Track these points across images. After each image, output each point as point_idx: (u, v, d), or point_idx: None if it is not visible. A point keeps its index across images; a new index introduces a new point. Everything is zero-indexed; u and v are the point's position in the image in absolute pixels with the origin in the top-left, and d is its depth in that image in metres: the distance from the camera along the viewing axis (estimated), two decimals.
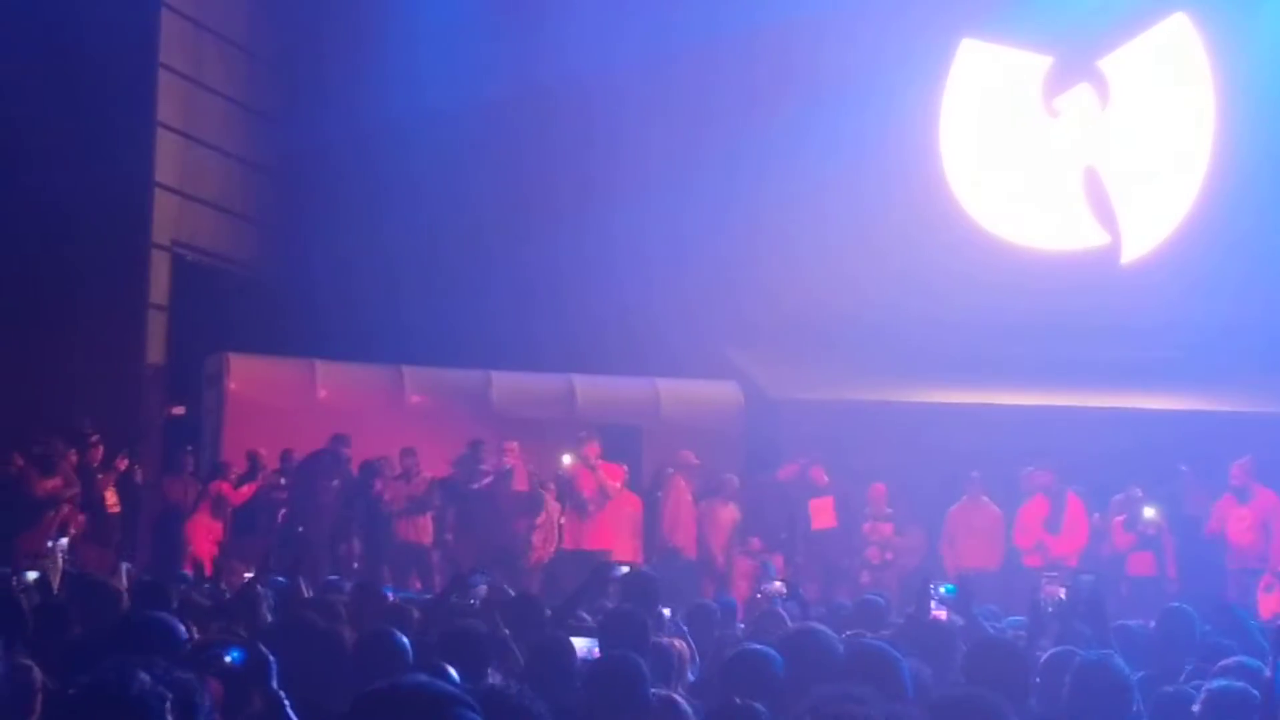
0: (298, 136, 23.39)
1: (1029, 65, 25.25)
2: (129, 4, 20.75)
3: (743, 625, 12.08)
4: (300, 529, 19.44)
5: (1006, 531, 20.04)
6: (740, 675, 7.06)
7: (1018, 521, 19.70)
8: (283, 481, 19.77)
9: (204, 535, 19.22)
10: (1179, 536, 19.42)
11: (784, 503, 20.61)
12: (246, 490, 19.54)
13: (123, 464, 19.23)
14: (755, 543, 20.06)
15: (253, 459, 19.78)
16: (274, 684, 5.90)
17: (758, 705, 6.20)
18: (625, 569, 11.62)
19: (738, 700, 6.30)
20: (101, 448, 19.07)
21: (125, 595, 10.56)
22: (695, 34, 23.83)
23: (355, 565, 19.13)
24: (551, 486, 19.97)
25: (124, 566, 13.19)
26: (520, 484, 20.06)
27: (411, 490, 19.56)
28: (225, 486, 19.47)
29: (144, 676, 4.78)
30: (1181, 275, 24.05)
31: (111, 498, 18.95)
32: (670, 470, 20.42)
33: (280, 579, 13.57)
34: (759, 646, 7.65)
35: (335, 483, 19.62)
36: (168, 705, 4.73)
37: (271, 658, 5.91)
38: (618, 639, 7.93)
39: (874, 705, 4.85)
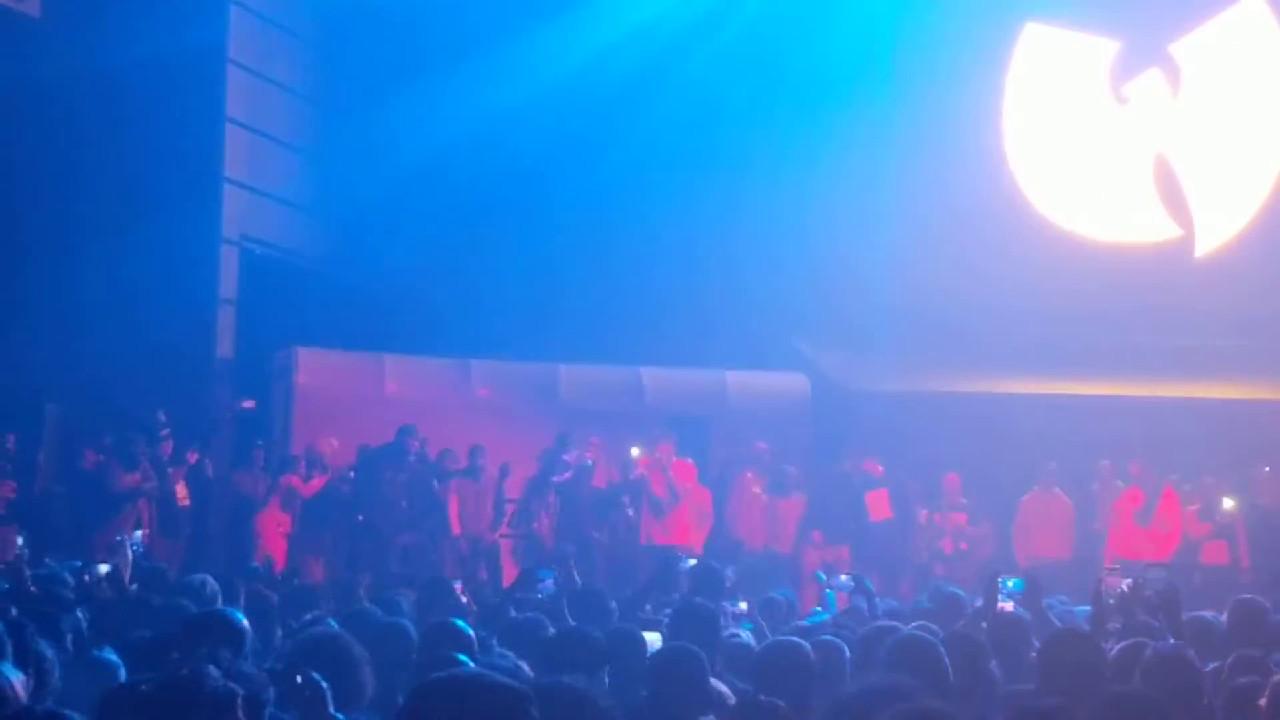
0: (365, 129, 23.44)
1: (1096, 50, 24.42)
2: (198, 1, 20.84)
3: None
4: (360, 518, 19.45)
5: (1078, 522, 19.96)
6: (771, 667, 7.05)
7: (1112, 513, 19.57)
8: (352, 475, 19.82)
9: (274, 529, 19.30)
10: (1252, 526, 19.25)
11: (849, 494, 20.49)
12: (316, 483, 19.59)
13: (193, 458, 19.34)
14: (816, 535, 20.00)
15: (309, 452, 19.85)
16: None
17: (779, 701, 6.16)
18: (692, 562, 11.62)
19: (761, 697, 6.27)
20: (171, 441, 19.19)
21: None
22: (762, 21, 23.71)
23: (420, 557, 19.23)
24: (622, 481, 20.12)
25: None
26: (599, 480, 20.12)
27: (480, 489, 19.64)
28: (295, 480, 19.53)
29: (215, 673, 4.81)
30: (1259, 270, 23.16)
31: (182, 491, 19.06)
32: (738, 466, 20.44)
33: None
34: (789, 638, 7.66)
35: (402, 476, 19.66)
36: (239, 701, 4.76)
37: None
38: (687, 632, 7.91)
39: (919, 699, 4.80)
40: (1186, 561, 18.94)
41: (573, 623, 9.26)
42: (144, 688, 4.83)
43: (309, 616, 8.97)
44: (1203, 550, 19.30)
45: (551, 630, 8.74)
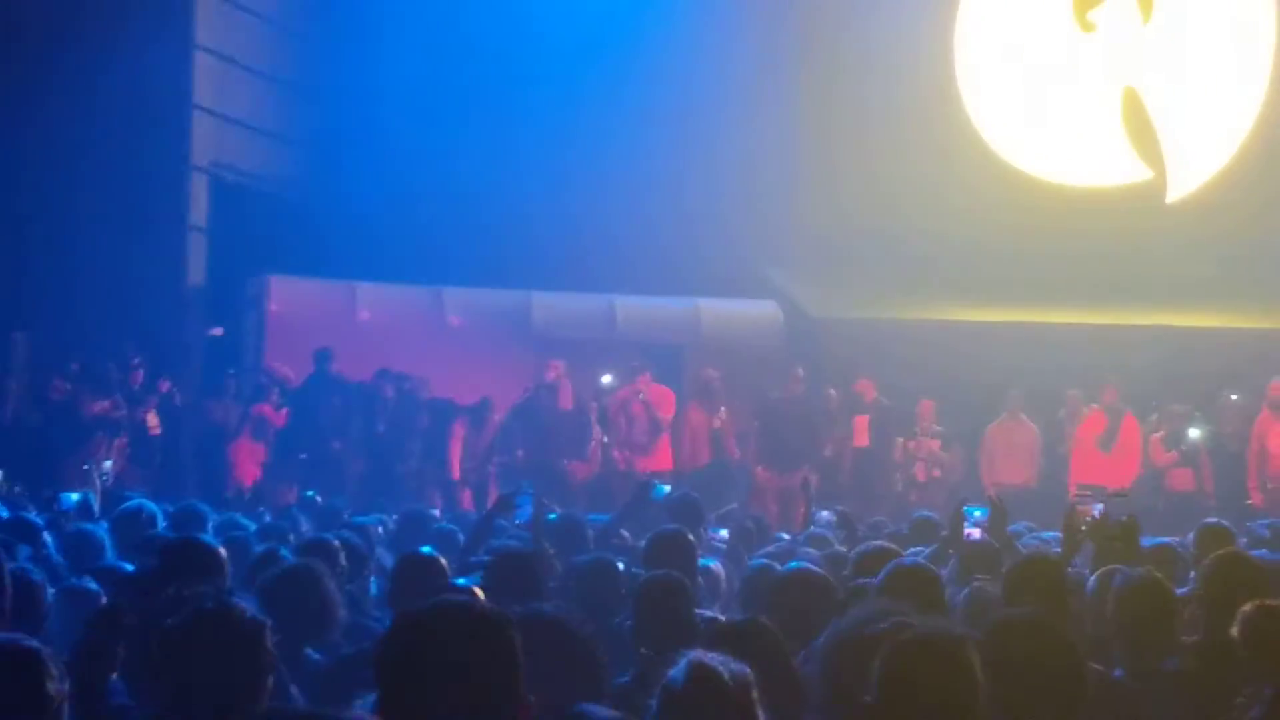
0: (335, 55, 23.31)
1: None
2: None
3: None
4: (303, 456, 19.36)
5: (1044, 449, 20.05)
6: (786, 593, 7.11)
7: (1075, 439, 19.65)
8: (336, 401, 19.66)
9: (247, 458, 19.29)
10: (1216, 453, 19.37)
11: (803, 420, 20.28)
12: (288, 412, 19.56)
13: (165, 386, 19.31)
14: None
15: (268, 375, 19.81)
16: None
17: (766, 621, 6.22)
18: (667, 488, 11.65)
19: (750, 618, 6.32)
20: (142, 371, 19.15)
21: None
22: None
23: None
24: (594, 407, 20.08)
25: None
26: (565, 403, 20.07)
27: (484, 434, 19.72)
28: (267, 409, 19.49)
29: (242, 605, 4.85)
30: (1237, 216, 22.54)
31: (153, 420, 19.03)
32: (688, 402, 20.28)
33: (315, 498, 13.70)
34: (807, 566, 7.72)
35: (336, 400, 19.55)
36: (268, 631, 4.82)
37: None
38: (663, 560, 7.95)
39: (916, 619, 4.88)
40: (1151, 488, 19.13)
41: (550, 549, 9.29)
42: (171, 623, 4.85)
43: (262, 549, 8.93)
44: (1168, 477, 19.42)
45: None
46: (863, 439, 20.32)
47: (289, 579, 7.03)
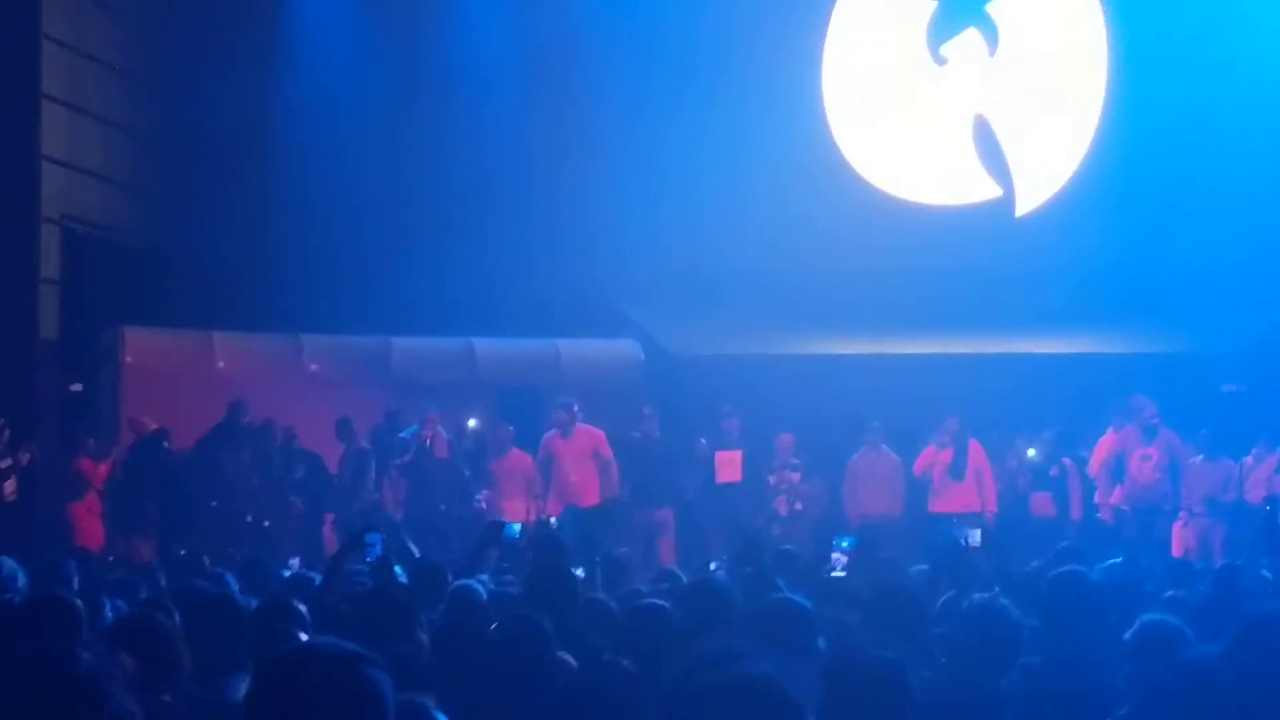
0: (186, 104, 23.11)
1: (913, 11, 24.47)
2: None
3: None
4: (214, 504, 19.19)
5: (907, 478, 20.15)
6: (631, 631, 7.08)
7: (918, 465, 19.80)
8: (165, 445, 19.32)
9: (84, 513, 18.94)
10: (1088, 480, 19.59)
11: (663, 459, 20.32)
12: (105, 467, 19.24)
13: (25, 459, 18.77)
14: None
15: (133, 426, 19.53)
16: None
17: (625, 661, 6.20)
18: (518, 527, 11.59)
19: (606, 657, 6.31)
20: (8, 431, 18.66)
21: None
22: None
23: None
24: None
25: None
26: (441, 452, 19.87)
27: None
28: (85, 463, 19.14)
29: (87, 656, 4.75)
30: (1077, 227, 23.61)
31: (10, 487, 18.58)
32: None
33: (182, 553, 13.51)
34: (656, 600, 7.71)
35: (246, 453, 19.43)
36: (115, 683, 4.72)
37: None
38: (546, 597, 7.93)
39: (758, 660, 4.76)
40: (1020, 515, 19.39)
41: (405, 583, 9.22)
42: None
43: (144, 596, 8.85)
44: (1031, 501, 19.69)
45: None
46: (734, 474, 20.18)
47: (124, 627, 6.92)
